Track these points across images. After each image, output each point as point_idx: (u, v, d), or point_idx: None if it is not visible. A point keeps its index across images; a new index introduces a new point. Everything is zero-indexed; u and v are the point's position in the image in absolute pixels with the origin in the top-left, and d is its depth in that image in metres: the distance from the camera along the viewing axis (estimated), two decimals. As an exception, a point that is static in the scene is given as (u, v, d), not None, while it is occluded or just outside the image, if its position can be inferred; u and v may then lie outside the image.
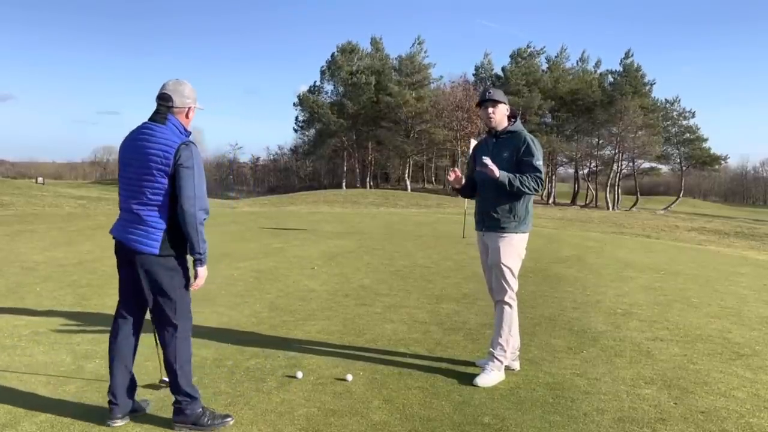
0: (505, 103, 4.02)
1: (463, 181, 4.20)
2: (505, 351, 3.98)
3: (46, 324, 5.19)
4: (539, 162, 3.91)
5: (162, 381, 3.71)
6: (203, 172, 3.15)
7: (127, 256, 3.18)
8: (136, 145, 3.13)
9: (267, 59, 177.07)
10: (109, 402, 3.20)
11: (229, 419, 3.26)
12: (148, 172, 3.06)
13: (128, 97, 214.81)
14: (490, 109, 4.00)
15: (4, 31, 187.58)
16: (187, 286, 3.21)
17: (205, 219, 3.13)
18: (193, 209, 3.05)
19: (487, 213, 3.99)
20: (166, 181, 3.06)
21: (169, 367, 3.19)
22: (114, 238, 3.23)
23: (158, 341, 3.30)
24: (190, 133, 3.23)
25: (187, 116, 3.25)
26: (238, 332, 5.04)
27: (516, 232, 3.95)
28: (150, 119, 3.18)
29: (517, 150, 3.93)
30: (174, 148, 3.05)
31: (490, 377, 3.90)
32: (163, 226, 3.10)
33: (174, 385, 3.19)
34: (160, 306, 3.18)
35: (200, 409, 3.20)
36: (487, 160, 3.81)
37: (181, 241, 3.14)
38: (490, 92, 4.03)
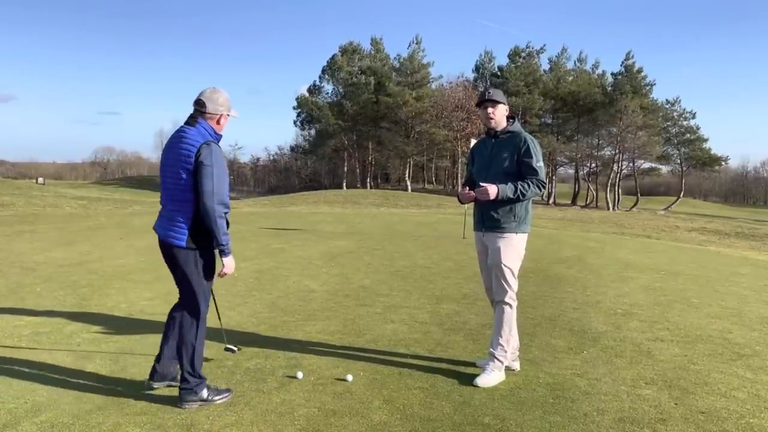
0: (504, 104, 4.02)
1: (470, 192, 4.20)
2: (505, 351, 3.97)
3: (47, 324, 5.19)
4: (539, 163, 3.90)
5: (227, 348, 4.08)
6: (225, 170, 3.41)
7: (166, 250, 3.49)
8: (170, 147, 3.46)
9: (269, 60, 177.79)
10: (153, 368, 3.63)
11: (229, 393, 3.60)
12: (177, 171, 3.37)
13: (129, 98, 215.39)
14: (490, 109, 3.99)
15: (7, 32, 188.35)
16: (207, 276, 3.50)
17: (225, 213, 3.39)
18: (212, 203, 3.31)
19: (488, 213, 3.98)
20: (190, 178, 3.35)
21: (186, 349, 3.49)
22: (157, 233, 3.55)
23: (179, 324, 3.58)
24: (220, 137, 3.53)
25: (218, 122, 3.54)
26: (238, 332, 5.04)
27: (516, 232, 3.95)
28: (185, 122, 3.51)
29: (518, 150, 3.92)
30: (196, 148, 3.34)
31: (491, 377, 3.90)
32: (190, 220, 3.39)
33: (189, 367, 3.47)
34: (185, 293, 3.53)
35: (206, 388, 3.51)
36: (482, 188, 3.82)
37: (203, 234, 3.42)
38: (489, 92, 4.02)
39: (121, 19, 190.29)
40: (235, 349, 4.12)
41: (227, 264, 3.45)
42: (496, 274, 3.99)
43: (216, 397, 3.53)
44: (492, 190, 3.79)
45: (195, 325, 3.52)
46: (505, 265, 3.94)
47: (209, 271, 3.52)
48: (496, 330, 4.01)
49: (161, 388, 3.66)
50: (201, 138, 3.38)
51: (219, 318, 4.14)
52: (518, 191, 3.82)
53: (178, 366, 3.59)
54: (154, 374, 3.65)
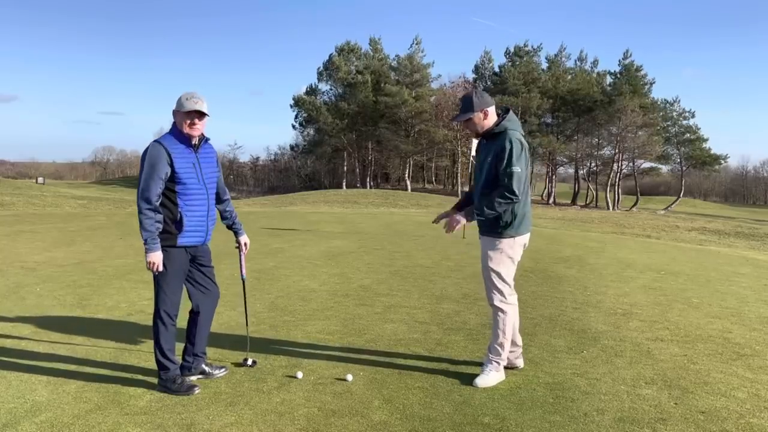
0: (476, 112, 3.83)
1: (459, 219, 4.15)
2: (500, 354, 3.96)
3: (47, 324, 5.19)
4: (512, 168, 3.69)
5: (244, 360, 4.24)
6: (156, 169, 3.52)
7: None
8: None
9: (271, 60, 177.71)
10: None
11: (196, 389, 3.67)
12: None
13: (133, 98, 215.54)
14: (464, 127, 4.06)
15: (11, 33, 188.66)
16: (166, 271, 3.62)
17: (147, 209, 3.52)
18: (137, 200, 3.54)
19: (480, 219, 3.94)
20: None
21: (154, 339, 3.72)
22: None
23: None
24: (187, 136, 3.64)
25: (181, 122, 3.64)
26: (238, 332, 5.04)
27: (503, 237, 3.86)
28: None
29: (497, 153, 3.78)
30: None
31: (489, 378, 3.90)
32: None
33: (156, 356, 3.71)
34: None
35: (171, 378, 3.67)
36: (451, 225, 3.93)
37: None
38: (458, 113, 3.91)
39: (124, 20, 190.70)
40: (250, 362, 4.20)
41: (147, 258, 3.54)
42: (485, 277, 3.97)
43: (179, 388, 3.65)
44: (456, 221, 3.88)
45: (156, 317, 3.69)
46: (491, 269, 3.90)
47: (165, 267, 3.62)
48: (492, 333, 4.00)
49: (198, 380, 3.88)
50: (153, 140, 3.63)
51: (247, 325, 4.55)
52: (486, 207, 3.72)
53: (203, 355, 3.96)
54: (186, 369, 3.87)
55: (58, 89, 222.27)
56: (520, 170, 3.71)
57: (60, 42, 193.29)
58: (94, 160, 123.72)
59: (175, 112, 3.65)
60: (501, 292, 3.92)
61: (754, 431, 3.27)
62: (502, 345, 3.95)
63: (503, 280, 3.91)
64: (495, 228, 3.87)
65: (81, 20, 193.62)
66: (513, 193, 3.69)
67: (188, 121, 3.60)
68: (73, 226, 14.24)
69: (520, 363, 4.18)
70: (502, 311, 3.93)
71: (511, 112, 3.92)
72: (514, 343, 4.15)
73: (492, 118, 3.90)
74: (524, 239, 3.98)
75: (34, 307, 5.85)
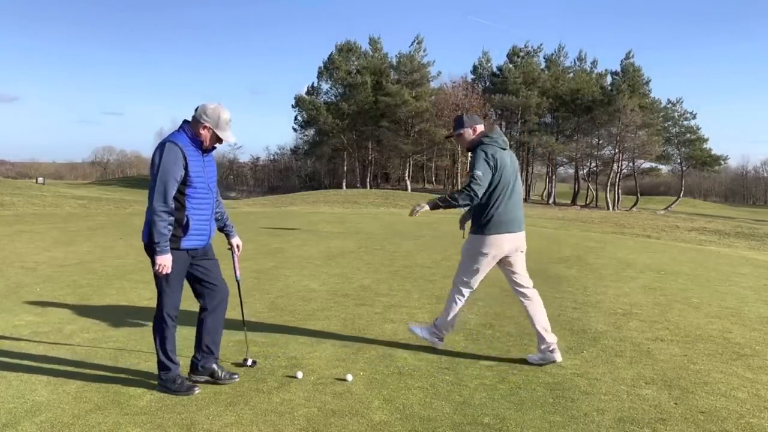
0: (468, 128, 4.36)
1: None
2: (439, 324, 4.51)
3: (47, 324, 5.19)
4: (475, 171, 4.12)
5: (244, 360, 4.20)
6: (172, 170, 3.46)
7: None
8: None
9: (273, 60, 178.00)
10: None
11: (196, 389, 3.66)
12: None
13: (134, 98, 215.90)
14: (457, 142, 4.54)
15: (13, 33, 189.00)
16: (169, 274, 3.57)
17: (163, 210, 3.46)
18: (151, 201, 3.46)
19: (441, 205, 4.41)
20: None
21: (154, 339, 3.70)
22: None
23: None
24: (201, 142, 3.60)
25: (200, 131, 3.60)
26: (238, 332, 5.04)
27: (473, 233, 4.34)
28: None
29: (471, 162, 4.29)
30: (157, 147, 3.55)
31: (420, 332, 4.60)
32: (150, 218, 3.52)
33: (157, 355, 3.68)
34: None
35: (172, 379, 3.64)
36: (413, 210, 4.39)
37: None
38: (451, 129, 4.49)
39: (126, 18, 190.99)
40: (250, 362, 4.18)
41: (156, 261, 3.50)
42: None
43: (179, 388, 3.63)
44: (419, 206, 4.34)
45: (157, 317, 3.67)
46: (462, 255, 4.44)
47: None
48: (444, 308, 4.51)
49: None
50: (167, 138, 3.56)
51: (244, 325, 4.46)
52: (448, 197, 4.20)
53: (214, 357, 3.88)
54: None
55: (59, 90, 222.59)
56: (480, 173, 4.12)
57: (61, 41, 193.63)
58: (94, 160, 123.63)
59: (204, 123, 3.56)
60: (460, 279, 4.41)
61: (754, 431, 3.27)
62: (443, 322, 4.48)
63: (463, 269, 4.39)
64: (473, 227, 4.36)
65: (81, 17, 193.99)
66: (471, 190, 4.10)
67: (207, 136, 3.63)
68: (73, 226, 14.24)
69: (557, 357, 4.28)
70: (455, 292, 4.41)
71: (496, 128, 4.41)
72: (550, 336, 4.30)
73: (479, 134, 4.38)
74: (496, 240, 4.23)
75: (34, 307, 5.85)
